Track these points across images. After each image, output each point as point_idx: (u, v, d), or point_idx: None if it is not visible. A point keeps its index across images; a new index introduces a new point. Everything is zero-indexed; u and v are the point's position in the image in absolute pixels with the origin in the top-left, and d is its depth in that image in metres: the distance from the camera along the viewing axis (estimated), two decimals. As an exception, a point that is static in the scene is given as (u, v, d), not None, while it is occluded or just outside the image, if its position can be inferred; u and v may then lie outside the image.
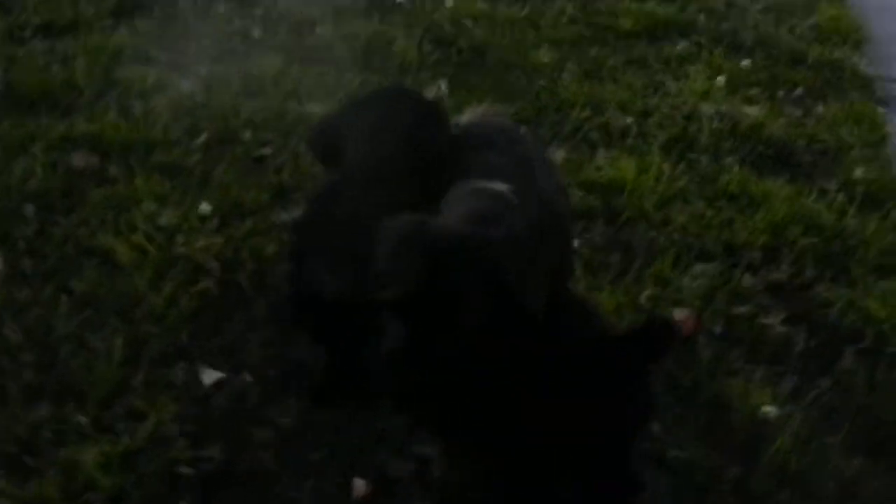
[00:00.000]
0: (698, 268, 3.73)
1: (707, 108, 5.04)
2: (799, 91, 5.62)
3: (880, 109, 5.57)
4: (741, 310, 3.55)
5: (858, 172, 4.65)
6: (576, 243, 3.66)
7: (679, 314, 3.45)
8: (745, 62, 5.85)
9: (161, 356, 3.17)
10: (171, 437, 2.87)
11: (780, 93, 5.56)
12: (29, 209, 3.81)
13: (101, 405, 2.96)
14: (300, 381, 3.06)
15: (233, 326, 3.29)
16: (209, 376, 3.09)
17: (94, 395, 2.99)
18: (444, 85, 5.00)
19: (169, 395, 3.01)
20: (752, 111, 5.12)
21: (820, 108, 5.42)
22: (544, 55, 5.57)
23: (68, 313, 3.31)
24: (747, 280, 3.72)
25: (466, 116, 4.37)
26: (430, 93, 4.90)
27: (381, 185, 2.76)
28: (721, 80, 5.50)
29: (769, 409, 3.07)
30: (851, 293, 3.71)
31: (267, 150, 4.30)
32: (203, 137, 4.36)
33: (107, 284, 3.43)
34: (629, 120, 4.86)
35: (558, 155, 4.42)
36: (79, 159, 4.14)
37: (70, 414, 2.92)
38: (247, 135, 4.40)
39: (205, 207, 3.84)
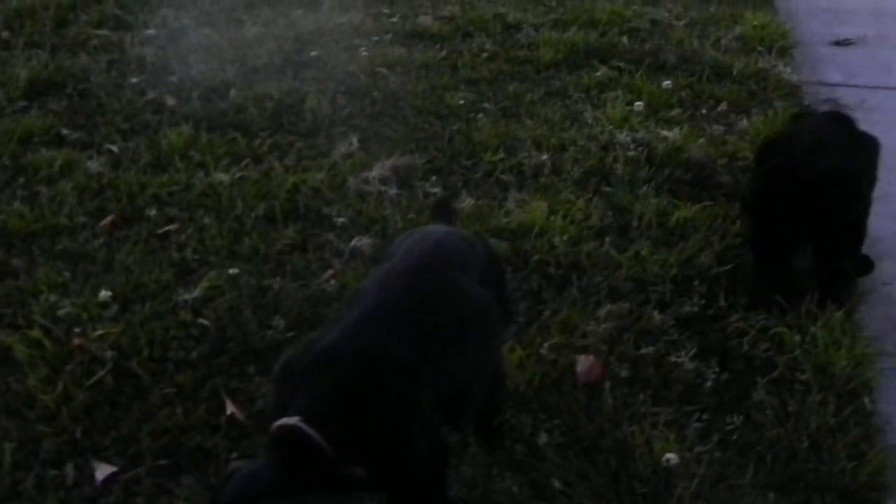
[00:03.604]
0: (606, 309, 3.68)
1: (623, 137, 5.01)
2: (722, 106, 5.60)
3: (808, 116, 5.53)
4: (649, 349, 3.51)
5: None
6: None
7: (583, 361, 3.39)
8: (667, 82, 5.82)
9: (54, 455, 3.11)
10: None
11: (703, 110, 5.54)
12: (-76, 309, 3.75)
13: (-8, 514, 2.90)
14: (195, 471, 2.99)
15: (128, 417, 3.23)
16: (102, 471, 3.03)
17: (-15, 505, 2.92)
18: (355, 140, 4.96)
19: (57, 497, 2.95)
20: (671, 134, 5.07)
21: (744, 122, 5.40)
22: (460, 97, 5.54)
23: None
24: (656, 317, 3.66)
25: (376, 171, 4.37)
26: (341, 148, 4.86)
27: None
28: (640, 105, 5.46)
29: (671, 456, 3.00)
30: (765, 320, 3.65)
31: (172, 227, 4.24)
32: (108, 219, 4.30)
33: (2, 384, 3.37)
34: (544, 157, 4.81)
35: (467, 203, 4.36)
36: (-20, 255, 4.08)
37: (-42, 526, 2.86)
38: (152, 212, 4.35)
39: (105, 294, 3.79)
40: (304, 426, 2.20)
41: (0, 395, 3.33)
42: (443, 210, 3.47)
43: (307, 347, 2.47)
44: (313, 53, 6.17)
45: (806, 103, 5.77)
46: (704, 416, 3.25)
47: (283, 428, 2.23)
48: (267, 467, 2.22)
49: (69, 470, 3.04)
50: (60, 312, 3.69)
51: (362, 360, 2.38)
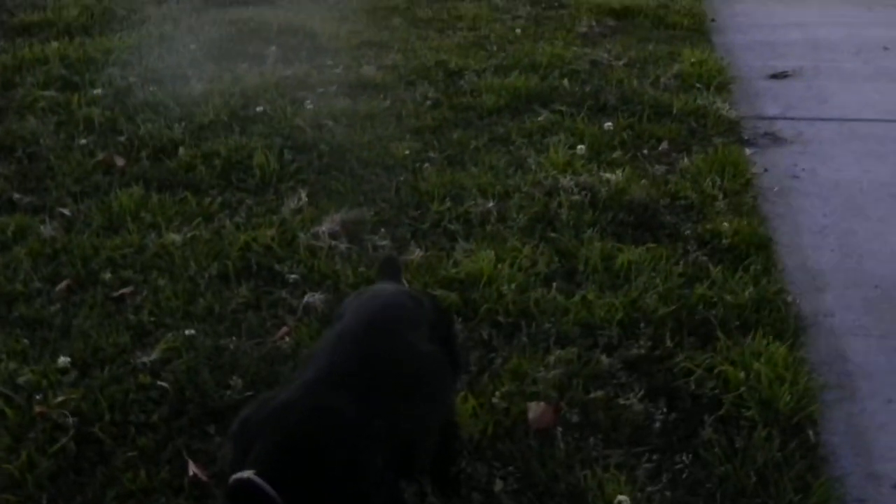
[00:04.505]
0: (555, 355, 3.77)
1: (567, 182, 5.11)
2: (663, 146, 5.73)
3: (747, 151, 5.70)
4: (598, 393, 3.59)
5: (724, 225, 4.72)
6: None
7: (535, 408, 3.48)
8: (608, 124, 5.95)
9: (20, 525, 3.14)
10: None
11: (644, 150, 5.66)
12: None
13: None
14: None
15: (92, 482, 3.28)
16: (68, 538, 3.08)
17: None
18: (304, 194, 5.04)
19: (25, 568, 2.99)
20: (614, 177, 5.19)
21: (685, 161, 5.52)
22: (405, 146, 5.64)
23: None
24: (604, 361, 3.75)
25: (325, 226, 4.45)
26: (290, 203, 4.94)
27: None
28: (582, 148, 5.59)
29: (623, 498, 3.09)
30: (711, 359, 3.76)
31: (127, 289, 4.30)
32: (63, 284, 4.35)
33: (-34, 456, 3.41)
34: (490, 204, 4.92)
35: (416, 254, 4.44)
36: (-63, 328, 4.12)
37: None
38: (107, 275, 4.40)
39: (64, 360, 3.83)
40: (256, 479, 2.28)
41: (-36, 467, 3.35)
42: (390, 267, 3.55)
43: (262, 406, 2.56)
44: (259, 108, 6.26)
45: (745, 137, 5.90)
46: (654, 457, 3.33)
47: (237, 481, 2.31)
48: None
49: (37, 538, 3.08)
50: (20, 380, 3.73)
51: (313, 417, 2.47)
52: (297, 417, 2.47)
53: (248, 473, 2.30)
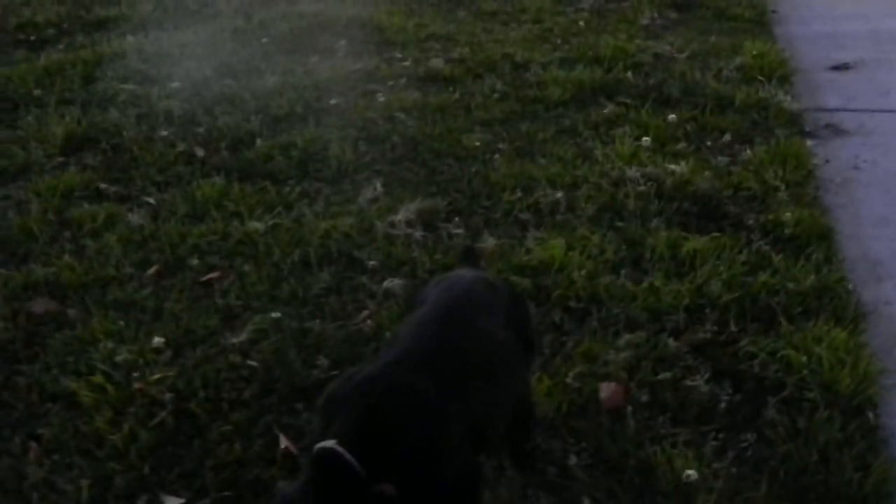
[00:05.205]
0: (624, 338, 3.93)
1: (633, 172, 5.26)
2: (726, 138, 5.84)
3: (808, 143, 5.78)
4: (666, 375, 3.74)
5: (786, 215, 4.83)
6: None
7: (606, 388, 3.65)
8: (672, 116, 6.07)
9: (125, 491, 3.37)
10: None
11: (708, 142, 5.79)
12: (-6, 362, 4.03)
13: (73, 546, 3.15)
14: (255, 501, 3.25)
15: (190, 454, 3.49)
16: (171, 504, 3.28)
17: (66, 537, 3.17)
18: (379, 184, 5.23)
19: (134, 529, 3.21)
20: (678, 168, 5.32)
21: (747, 153, 5.62)
22: (476, 138, 5.81)
23: (37, 460, 3.50)
24: (672, 344, 3.90)
25: (401, 215, 4.63)
26: (366, 193, 5.13)
27: None
28: (647, 139, 5.72)
29: (691, 472, 3.25)
30: (774, 343, 3.89)
31: (214, 275, 4.51)
32: (153, 269, 4.57)
33: (71, 427, 3.63)
34: (559, 195, 5.07)
35: (489, 243, 4.61)
36: (38, 306, 4.36)
37: (44, 559, 3.09)
38: (194, 261, 4.62)
39: (158, 340, 4.05)
40: (338, 448, 2.47)
41: (70, 437, 3.58)
42: (469, 256, 3.72)
43: (346, 381, 2.75)
44: (332, 101, 6.45)
45: (807, 129, 5.99)
46: (720, 435, 3.48)
47: (321, 449, 2.50)
48: (302, 489, 2.48)
49: (141, 503, 3.30)
50: (118, 359, 3.95)
51: (393, 393, 2.64)
52: (379, 393, 2.63)
53: (331, 442, 2.48)
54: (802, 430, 3.46)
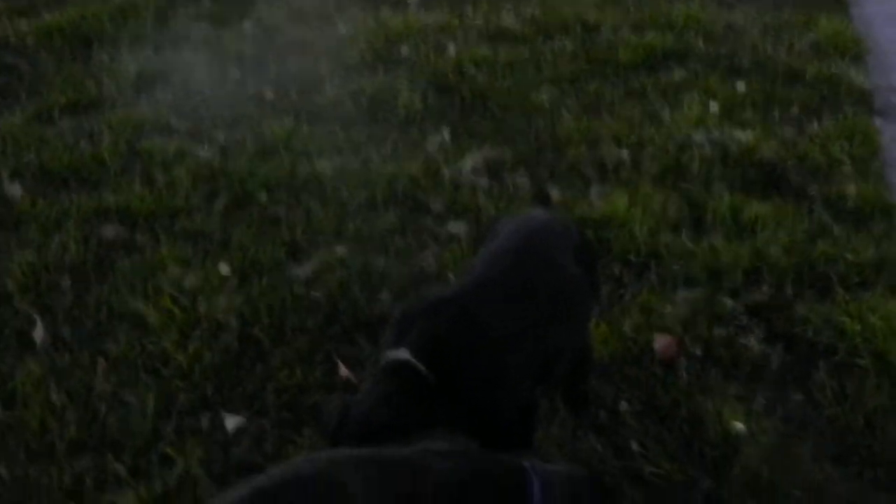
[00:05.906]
0: (682, 294, 3.98)
1: (699, 137, 5.28)
2: (794, 110, 5.82)
3: (876, 121, 5.76)
4: (721, 332, 3.80)
5: (849, 189, 4.83)
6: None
7: (661, 340, 3.71)
8: (741, 85, 6.05)
9: (189, 407, 3.50)
10: (199, 479, 3.18)
11: (775, 113, 5.76)
12: (66, 281, 4.16)
13: (137, 454, 3.30)
14: (314, 423, 3.35)
15: (252, 377, 3.61)
16: (232, 422, 3.41)
17: (131, 446, 3.33)
18: (446, 133, 5.30)
19: (196, 441, 3.33)
20: (744, 136, 5.33)
21: (815, 126, 5.60)
22: (544, 95, 5.85)
23: (105, 374, 3.63)
24: (728, 303, 3.95)
25: (468, 162, 4.70)
26: (434, 141, 5.20)
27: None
28: (714, 105, 5.73)
29: (739, 426, 3.31)
30: (829, 310, 3.92)
31: (280, 210, 4.60)
32: (222, 202, 4.67)
33: (138, 346, 3.76)
34: (624, 153, 5.11)
35: (554, 193, 4.67)
36: (108, 231, 4.49)
37: (110, 463, 3.25)
38: (262, 197, 4.72)
39: (224, 268, 4.16)
40: (410, 358, 2.56)
41: (137, 355, 3.71)
42: (542, 199, 3.79)
43: (421, 300, 2.83)
44: (403, 52, 6.50)
45: (877, 107, 5.97)
46: (769, 393, 3.53)
47: (395, 358, 2.58)
48: (371, 393, 2.55)
49: (203, 420, 3.42)
50: (185, 284, 4.07)
51: (461, 317, 2.71)
52: (449, 314, 2.71)
53: (403, 352, 2.57)
54: (851, 394, 3.51)
